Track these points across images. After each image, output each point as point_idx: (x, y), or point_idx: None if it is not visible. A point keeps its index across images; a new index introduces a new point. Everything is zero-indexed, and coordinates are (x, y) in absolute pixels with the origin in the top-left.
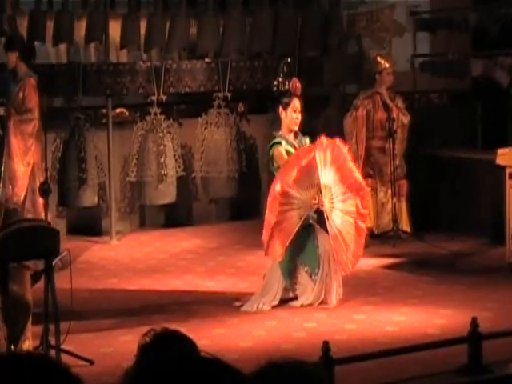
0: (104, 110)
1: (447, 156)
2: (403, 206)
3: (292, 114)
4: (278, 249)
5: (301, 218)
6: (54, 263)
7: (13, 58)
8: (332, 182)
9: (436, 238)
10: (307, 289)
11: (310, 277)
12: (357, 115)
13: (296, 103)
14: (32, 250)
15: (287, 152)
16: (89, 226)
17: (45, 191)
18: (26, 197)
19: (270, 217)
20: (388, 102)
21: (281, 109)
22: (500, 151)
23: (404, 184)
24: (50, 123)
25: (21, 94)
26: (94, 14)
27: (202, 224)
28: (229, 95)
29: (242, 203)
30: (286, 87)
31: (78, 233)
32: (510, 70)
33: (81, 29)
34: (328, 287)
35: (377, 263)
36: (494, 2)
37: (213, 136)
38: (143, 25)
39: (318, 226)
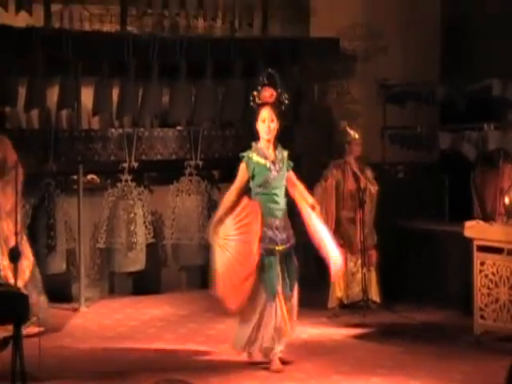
0: (75, 177)
1: (416, 227)
2: (373, 276)
3: (261, 124)
4: None
5: None
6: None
7: None
8: None
9: (405, 308)
10: None
11: None
12: (326, 185)
13: (263, 113)
14: (1, 315)
15: (258, 163)
16: (58, 292)
17: (14, 256)
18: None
19: None
20: (357, 171)
21: (255, 122)
22: (467, 224)
23: (373, 254)
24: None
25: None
26: (67, 81)
27: (172, 291)
28: (200, 163)
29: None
30: (259, 100)
31: (48, 299)
32: (476, 144)
33: (53, 95)
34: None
35: (346, 333)
36: (461, 76)
37: (184, 203)
38: (115, 92)
39: None
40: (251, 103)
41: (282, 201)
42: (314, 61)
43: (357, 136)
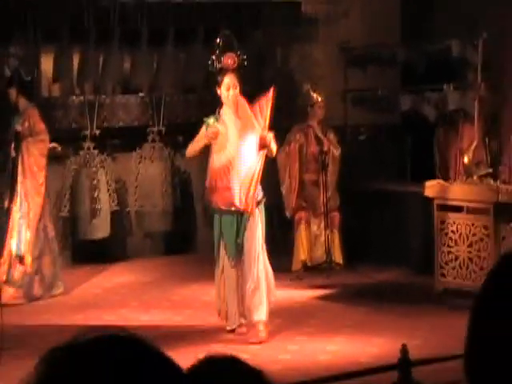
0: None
1: (378, 188)
2: (336, 238)
3: (224, 92)
4: None
5: None
6: None
7: (13, 93)
8: None
9: (368, 268)
10: None
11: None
12: (290, 149)
13: (226, 80)
14: None
15: (220, 131)
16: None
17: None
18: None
19: None
20: (320, 135)
21: (217, 88)
22: (428, 183)
23: (336, 216)
24: None
25: (26, 124)
26: (27, 49)
27: (136, 258)
28: (163, 129)
29: (177, 237)
30: (219, 65)
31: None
32: (436, 105)
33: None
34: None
35: (310, 294)
36: (421, 38)
37: (147, 170)
38: (76, 59)
39: None
40: (210, 68)
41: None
42: (276, 25)
43: (319, 99)
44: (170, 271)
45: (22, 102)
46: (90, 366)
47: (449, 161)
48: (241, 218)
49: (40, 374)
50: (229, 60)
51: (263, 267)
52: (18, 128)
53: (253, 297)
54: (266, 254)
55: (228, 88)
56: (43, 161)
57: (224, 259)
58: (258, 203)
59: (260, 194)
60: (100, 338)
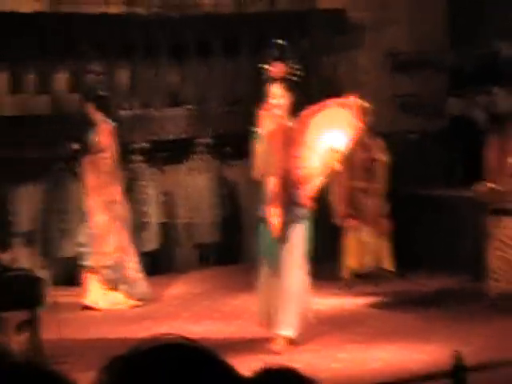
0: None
1: (427, 194)
2: (385, 245)
3: (271, 101)
4: None
5: None
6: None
7: (90, 107)
8: None
9: (418, 275)
10: None
11: None
12: None
13: (273, 89)
14: (15, 300)
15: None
16: (73, 275)
17: (30, 240)
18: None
19: None
20: (368, 142)
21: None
22: (479, 188)
23: (385, 223)
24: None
25: (96, 138)
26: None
27: (186, 270)
28: (211, 141)
29: (225, 248)
30: (268, 74)
31: (63, 283)
32: (486, 108)
33: (62, 80)
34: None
35: (360, 302)
36: (469, 43)
37: (195, 182)
38: (126, 74)
39: None
40: (262, 77)
41: None
42: (322, 33)
43: (366, 105)
44: (219, 282)
45: (98, 117)
46: (153, 374)
47: (499, 164)
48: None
49: (102, 383)
50: (275, 68)
51: (298, 281)
52: (76, 147)
53: (282, 310)
54: (305, 268)
55: (273, 97)
56: (102, 177)
57: (264, 268)
58: (301, 217)
59: (303, 210)
60: (161, 346)
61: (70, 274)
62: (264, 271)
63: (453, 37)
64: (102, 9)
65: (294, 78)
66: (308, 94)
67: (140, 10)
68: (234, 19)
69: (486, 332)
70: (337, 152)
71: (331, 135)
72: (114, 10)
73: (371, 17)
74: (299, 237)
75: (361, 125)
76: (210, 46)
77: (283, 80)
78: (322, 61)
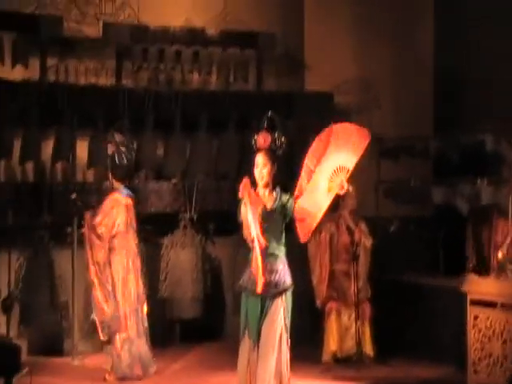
0: (69, 229)
1: (410, 281)
2: (366, 330)
3: (255, 170)
4: None
5: None
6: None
7: (109, 176)
8: None
9: (399, 362)
10: None
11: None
12: (320, 239)
13: (257, 159)
14: None
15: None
16: (50, 345)
17: (7, 307)
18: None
19: None
20: (351, 225)
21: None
22: (461, 278)
23: (367, 307)
24: (14, 241)
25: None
26: (62, 133)
27: (165, 345)
28: (195, 216)
29: (206, 325)
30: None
31: (40, 352)
32: (469, 198)
33: (48, 147)
34: None
35: None
36: (454, 129)
37: (178, 256)
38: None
39: None
40: (250, 151)
41: (271, 245)
42: (309, 115)
43: (351, 189)
44: (199, 359)
45: (114, 185)
46: None
47: (481, 255)
48: (264, 301)
49: None
50: (260, 139)
51: (278, 357)
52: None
53: None
54: (286, 344)
55: (257, 166)
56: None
57: (246, 340)
58: (285, 291)
59: (288, 281)
60: None
61: (47, 343)
62: (245, 346)
63: (437, 123)
64: (92, 80)
65: (279, 150)
66: (291, 174)
67: (128, 83)
68: (220, 97)
69: None
70: (345, 170)
71: (338, 156)
72: (103, 82)
73: (356, 100)
74: (282, 310)
75: (364, 144)
76: (196, 122)
77: (267, 151)
78: (307, 140)
